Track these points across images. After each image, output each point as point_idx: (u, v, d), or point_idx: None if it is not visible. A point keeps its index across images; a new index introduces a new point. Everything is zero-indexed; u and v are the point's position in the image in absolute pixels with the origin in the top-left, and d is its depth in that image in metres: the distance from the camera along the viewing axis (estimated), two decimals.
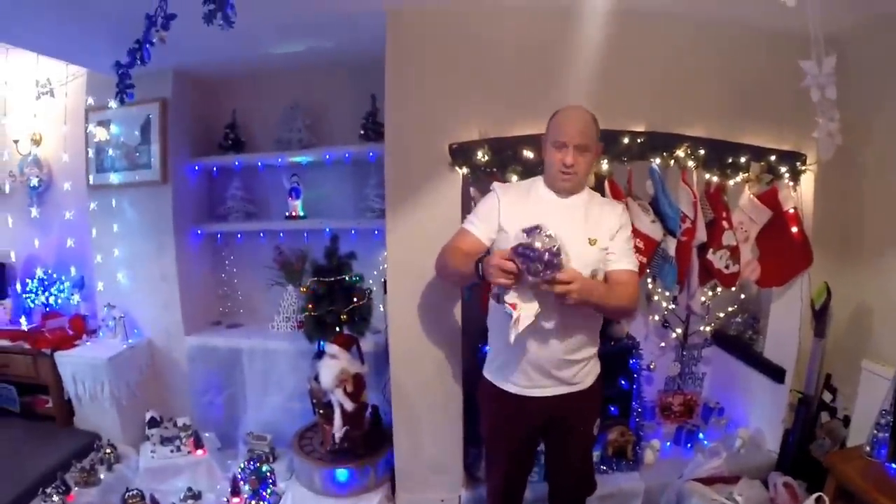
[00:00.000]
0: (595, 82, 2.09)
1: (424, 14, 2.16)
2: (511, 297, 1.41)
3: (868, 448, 1.94)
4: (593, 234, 1.57)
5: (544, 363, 1.59)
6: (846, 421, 2.34)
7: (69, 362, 2.83)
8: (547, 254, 1.32)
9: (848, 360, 2.39)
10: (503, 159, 2.11)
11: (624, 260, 1.61)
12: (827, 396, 2.43)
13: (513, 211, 1.61)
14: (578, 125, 1.56)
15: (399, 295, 2.26)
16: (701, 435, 2.63)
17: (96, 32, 2.25)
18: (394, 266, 2.26)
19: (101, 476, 2.55)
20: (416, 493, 2.41)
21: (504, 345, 1.58)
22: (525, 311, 1.41)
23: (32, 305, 3.25)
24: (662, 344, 2.78)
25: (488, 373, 1.75)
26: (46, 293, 3.25)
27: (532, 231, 1.36)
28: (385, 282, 2.37)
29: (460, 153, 2.14)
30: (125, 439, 2.85)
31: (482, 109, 2.18)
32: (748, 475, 2.28)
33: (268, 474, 2.52)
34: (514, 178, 2.08)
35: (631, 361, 2.43)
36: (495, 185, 1.72)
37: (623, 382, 2.48)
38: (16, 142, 3.24)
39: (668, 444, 2.63)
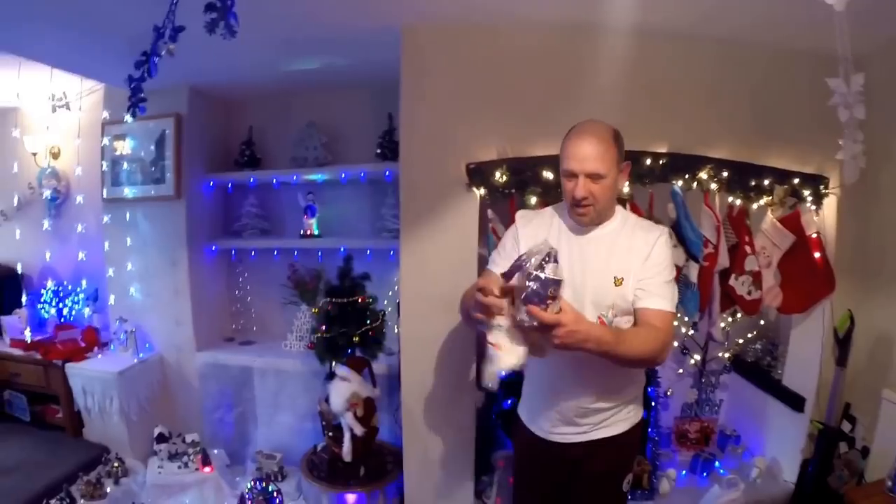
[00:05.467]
0: (616, 101, 2.01)
1: (440, 31, 2.12)
2: (495, 336, 1.17)
3: (890, 483, 1.88)
4: (620, 273, 1.38)
5: (569, 410, 1.48)
6: (864, 452, 2.28)
7: (79, 374, 2.83)
8: (537, 284, 1.09)
9: (868, 389, 2.33)
10: (522, 180, 2.05)
11: (654, 296, 1.36)
12: (846, 426, 2.37)
13: (532, 241, 1.42)
14: (588, 149, 1.33)
15: (412, 318, 2.23)
16: (717, 463, 2.57)
17: (109, 46, 2.23)
18: (407, 288, 2.23)
19: (108, 490, 2.54)
20: None
21: (534, 388, 1.55)
22: (507, 354, 1.16)
23: (46, 316, 3.27)
24: (680, 370, 2.72)
25: (521, 412, 1.67)
26: (61, 304, 3.26)
27: (529, 260, 1.12)
28: (399, 303, 2.33)
29: (478, 173, 2.09)
30: (133, 453, 2.84)
31: (500, 128, 2.13)
32: None
33: (275, 494, 2.49)
34: (534, 199, 2.03)
35: (648, 389, 2.36)
36: (518, 214, 1.59)
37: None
38: (34, 154, 3.27)
39: (684, 472, 2.57)
